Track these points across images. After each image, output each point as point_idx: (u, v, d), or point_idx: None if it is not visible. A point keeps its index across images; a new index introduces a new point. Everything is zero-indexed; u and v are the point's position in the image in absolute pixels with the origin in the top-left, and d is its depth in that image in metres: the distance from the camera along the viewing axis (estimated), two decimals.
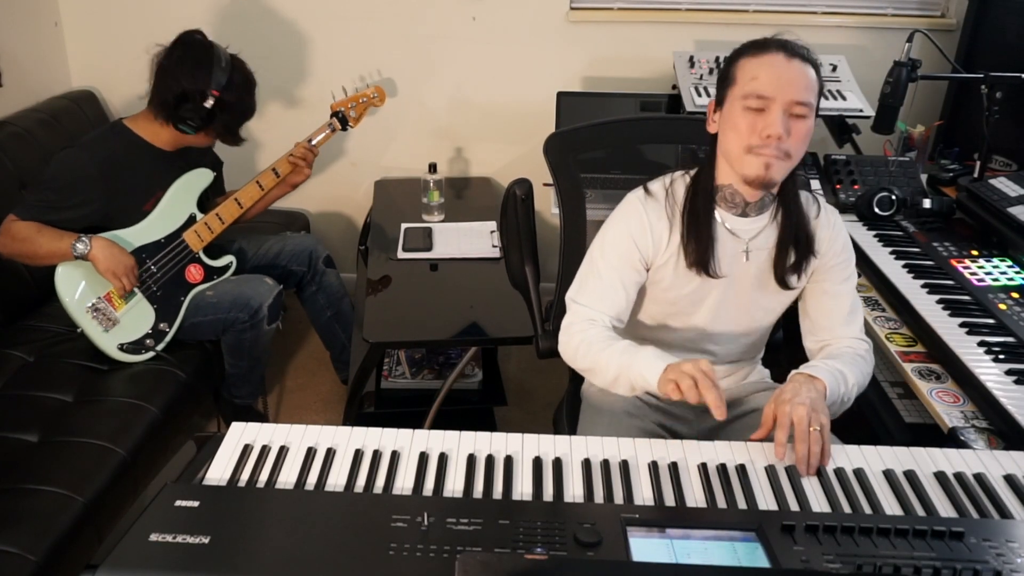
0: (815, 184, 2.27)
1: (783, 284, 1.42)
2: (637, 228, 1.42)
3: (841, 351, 1.43)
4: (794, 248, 1.40)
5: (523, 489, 1.11)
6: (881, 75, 2.17)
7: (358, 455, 1.15)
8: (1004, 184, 2.02)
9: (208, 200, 2.29)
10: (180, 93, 2.02)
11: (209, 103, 2.04)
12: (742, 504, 1.09)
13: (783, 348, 1.75)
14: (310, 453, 1.15)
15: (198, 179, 2.22)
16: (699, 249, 1.38)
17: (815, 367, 1.33)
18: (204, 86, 2.03)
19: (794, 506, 1.09)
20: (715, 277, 1.40)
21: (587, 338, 1.39)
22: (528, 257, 1.78)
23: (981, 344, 1.56)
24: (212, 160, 2.34)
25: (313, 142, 2.42)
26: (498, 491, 1.09)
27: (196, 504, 0.98)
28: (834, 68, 2.54)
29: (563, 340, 1.45)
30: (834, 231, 1.44)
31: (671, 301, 1.47)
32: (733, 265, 1.42)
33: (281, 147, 2.42)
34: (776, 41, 1.30)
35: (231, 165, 2.49)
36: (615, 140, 1.81)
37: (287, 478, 1.11)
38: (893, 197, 2.11)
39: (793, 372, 1.33)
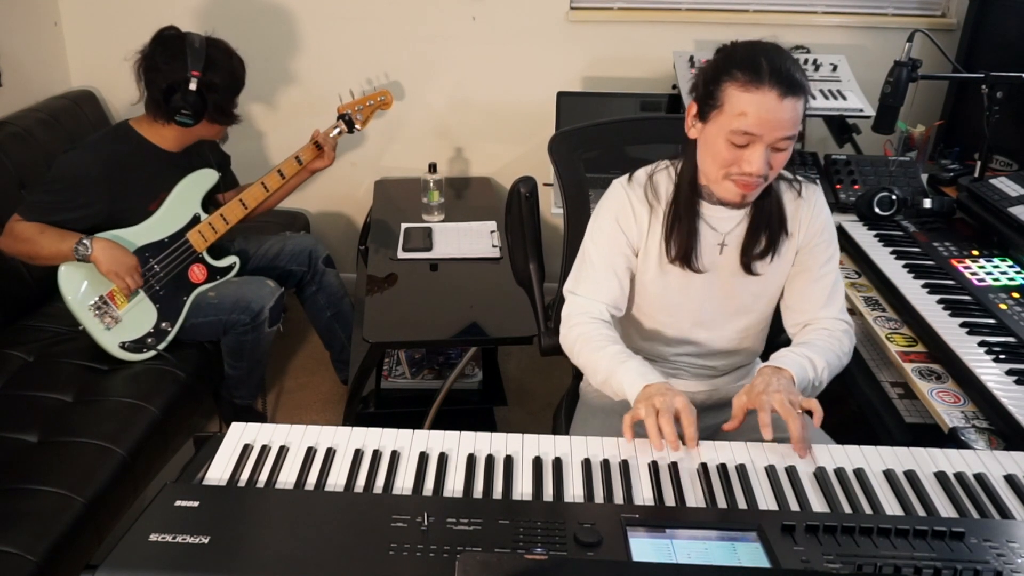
0: None
1: (748, 269, 1.42)
2: (621, 212, 1.43)
3: (816, 333, 1.43)
4: (766, 234, 1.40)
5: (523, 489, 1.11)
6: (881, 75, 2.17)
7: (358, 455, 1.15)
8: (1004, 184, 2.02)
9: (213, 199, 2.29)
10: (166, 88, 2.03)
11: (193, 86, 2.03)
12: (742, 504, 1.09)
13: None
14: (310, 453, 1.15)
15: (203, 180, 2.22)
16: (680, 244, 1.40)
17: (782, 358, 1.35)
18: (183, 72, 2.02)
19: (794, 506, 1.09)
20: (696, 272, 1.41)
21: (584, 334, 1.40)
22: (532, 255, 1.79)
23: (981, 344, 1.56)
24: (218, 159, 2.33)
25: (320, 144, 2.41)
26: (498, 491, 1.09)
27: (196, 504, 0.98)
28: (834, 68, 2.53)
29: (563, 332, 1.46)
30: (815, 210, 1.43)
31: (658, 294, 1.47)
32: (711, 258, 1.42)
33: (287, 148, 2.42)
34: (770, 71, 1.21)
35: (239, 167, 2.49)
36: (619, 139, 1.81)
37: (287, 478, 1.11)
38: (893, 197, 2.11)
39: (762, 365, 1.36)
